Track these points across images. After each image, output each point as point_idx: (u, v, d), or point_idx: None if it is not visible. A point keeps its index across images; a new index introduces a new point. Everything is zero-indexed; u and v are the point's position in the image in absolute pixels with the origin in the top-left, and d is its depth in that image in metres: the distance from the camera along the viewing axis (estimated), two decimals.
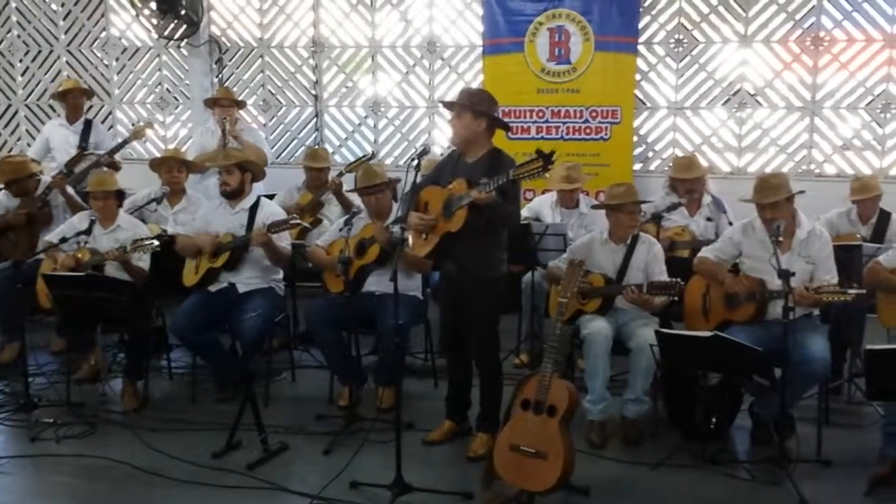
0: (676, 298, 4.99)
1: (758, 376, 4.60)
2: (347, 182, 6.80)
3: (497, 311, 4.90)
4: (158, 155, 7.70)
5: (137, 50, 9.79)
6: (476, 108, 4.66)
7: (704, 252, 5.29)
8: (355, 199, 6.36)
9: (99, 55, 9.94)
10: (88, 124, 7.83)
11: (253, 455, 4.82)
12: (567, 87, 8.26)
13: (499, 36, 8.39)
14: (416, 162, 4.59)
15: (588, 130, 8.27)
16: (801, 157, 8.10)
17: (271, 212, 5.85)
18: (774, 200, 4.87)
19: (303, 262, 6.14)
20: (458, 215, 4.53)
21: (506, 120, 8.24)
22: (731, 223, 6.10)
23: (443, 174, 4.80)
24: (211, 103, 7.83)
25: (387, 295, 5.10)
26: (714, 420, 4.97)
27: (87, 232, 5.80)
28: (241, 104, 7.99)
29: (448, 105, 4.91)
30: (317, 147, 8.42)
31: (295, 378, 6.21)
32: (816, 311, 5.03)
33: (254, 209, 5.82)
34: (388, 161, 8.97)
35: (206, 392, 5.82)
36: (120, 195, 6.08)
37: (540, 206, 6.85)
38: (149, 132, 8.56)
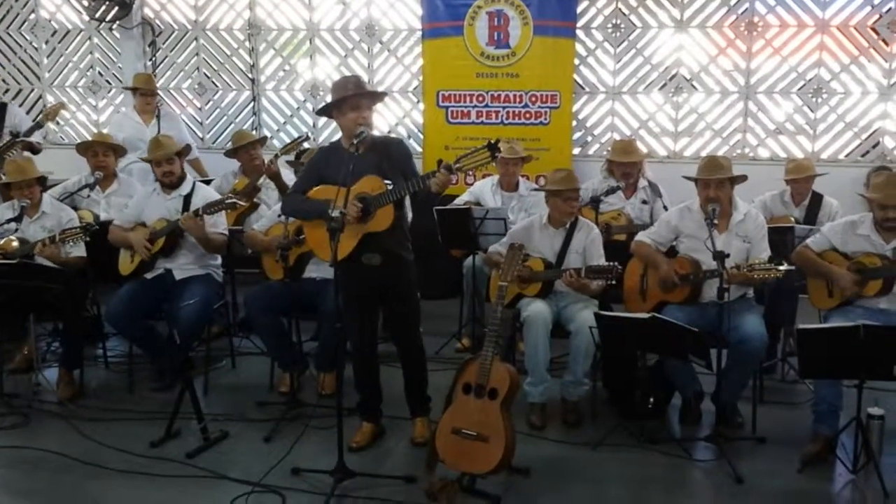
0: (614, 282, 5.04)
1: (694, 356, 4.70)
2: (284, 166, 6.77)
3: (417, 291, 4.84)
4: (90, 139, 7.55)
5: (68, 32, 9.54)
6: (379, 93, 4.64)
7: (641, 236, 5.37)
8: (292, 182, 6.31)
9: (28, 38, 9.66)
10: (3, 108, 7.65)
11: (192, 444, 4.77)
12: (506, 72, 8.28)
13: (438, 19, 8.36)
14: (355, 142, 4.47)
15: (528, 115, 8.30)
16: (736, 140, 8.25)
17: (206, 195, 5.76)
18: (722, 178, 4.98)
19: (241, 248, 6.07)
20: (384, 214, 4.39)
21: (446, 104, 8.40)
22: (665, 207, 6.20)
23: (331, 171, 4.43)
24: (132, 91, 7.76)
25: (327, 280, 5.07)
26: (652, 400, 5.08)
27: (18, 219, 5.65)
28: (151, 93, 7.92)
29: (326, 108, 4.61)
30: (241, 129, 8.31)
31: (235, 365, 6.15)
32: (750, 293, 5.15)
33: (189, 195, 5.73)
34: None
35: (143, 381, 5.75)
36: (41, 181, 5.91)
37: (481, 189, 6.86)
38: (63, 112, 8.39)
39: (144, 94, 7.68)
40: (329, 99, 4.64)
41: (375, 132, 4.66)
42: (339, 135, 8.82)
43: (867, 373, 4.30)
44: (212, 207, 5.41)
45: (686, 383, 5.07)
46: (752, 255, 4.95)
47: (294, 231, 5.43)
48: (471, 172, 5.74)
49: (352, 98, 4.44)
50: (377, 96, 4.57)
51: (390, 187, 4.36)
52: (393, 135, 8.41)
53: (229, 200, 5.47)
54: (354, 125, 4.41)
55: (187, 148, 5.94)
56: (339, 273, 4.30)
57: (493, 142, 4.11)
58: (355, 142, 4.33)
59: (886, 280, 4.80)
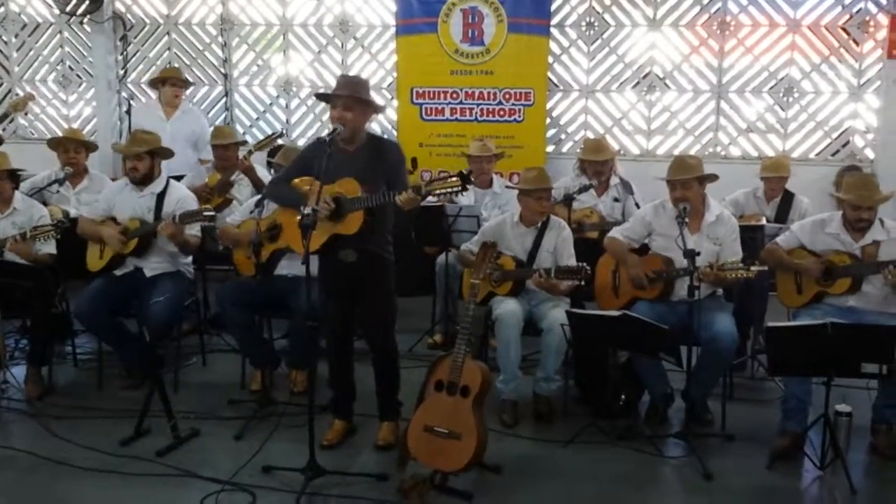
0: (583, 283, 5.04)
1: (664, 354, 4.72)
2: (257, 161, 6.74)
3: (394, 293, 4.79)
4: (61, 134, 7.46)
5: (38, 26, 9.45)
6: (365, 97, 4.47)
7: (614, 232, 5.39)
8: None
9: None
10: None
11: (162, 442, 4.73)
12: (481, 69, 8.30)
13: (412, 16, 8.37)
14: (326, 138, 4.45)
15: (502, 112, 8.32)
16: (708, 139, 8.31)
17: (181, 196, 5.67)
18: (684, 178, 5.00)
19: (213, 244, 6.02)
20: (354, 218, 4.35)
21: (420, 101, 8.39)
22: (637, 204, 6.23)
23: (317, 165, 4.37)
24: (159, 83, 7.63)
25: (300, 278, 5.03)
26: (623, 397, 5.11)
27: None
28: (188, 83, 7.92)
29: (325, 97, 4.62)
30: (222, 125, 8.26)
31: (206, 363, 6.11)
32: (720, 291, 5.19)
33: (162, 193, 5.64)
34: (301, 142, 8.86)
35: (112, 378, 5.68)
36: (13, 176, 5.84)
37: None
38: (32, 106, 8.27)
39: (175, 84, 7.58)
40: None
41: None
42: (311, 131, 8.90)
43: (835, 370, 4.34)
44: (189, 218, 5.33)
45: (654, 383, 5.10)
46: (721, 257, 4.97)
47: (267, 226, 5.41)
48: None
49: (334, 96, 4.46)
50: (354, 101, 4.42)
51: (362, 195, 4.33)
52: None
53: (207, 213, 5.38)
54: (333, 121, 4.44)
55: (167, 151, 5.86)
56: (319, 266, 4.35)
57: (465, 172, 4.13)
58: (327, 139, 4.33)
59: (855, 278, 4.85)
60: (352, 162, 4.42)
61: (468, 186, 4.17)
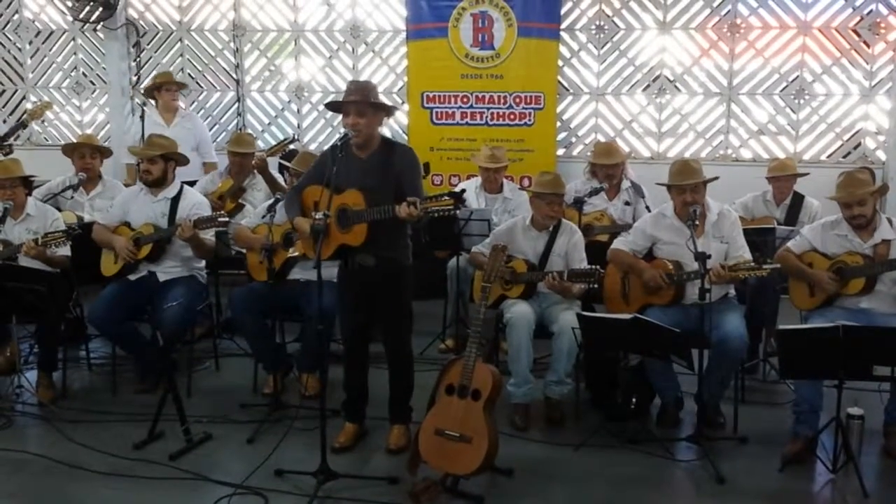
0: (596, 286, 5.04)
1: (675, 357, 4.72)
2: (269, 166, 6.78)
3: (411, 298, 4.80)
4: (75, 140, 7.52)
5: (52, 33, 9.52)
6: (375, 101, 4.45)
7: (618, 244, 5.37)
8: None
9: (11, 38, 9.64)
10: None
11: (175, 445, 4.76)
12: (491, 73, 8.31)
13: (422, 21, 8.39)
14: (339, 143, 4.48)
15: (512, 116, 8.33)
16: (719, 142, 8.30)
17: (195, 202, 5.73)
18: (697, 182, 5.01)
19: (226, 250, 6.05)
20: (359, 231, 4.38)
21: (430, 105, 8.41)
22: (648, 208, 6.23)
23: (329, 171, 4.34)
24: (154, 90, 7.66)
25: (312, 282, 5.05)
26: (634, 400, 5.10)
27: (2, 221, 5.61)
28: (183, 85, 7.98)
29: (337, 106, 4.58)
30: (242, 132, 8.31)
31: (219, 367, 6.14)
32: (732, 292, 5.18)
33: (176, 198, 5.70)
34: (312, 147, 8.90)
35: (126, 383, 5.72)
36: (27, 182, 5.88)
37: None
38: (48, 113, 8.30)
39: (170, 89, 7.59)
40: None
41: None
42: (323, 136, 8.92)
43: (847, 373, 4.33)
44: (205, 224, 5.38)
45: (665, 386, 5.09)
46: (730, 254, 4.99)
47: (282, 237, 5.45)
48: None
49: (345, 103, 4.47)
50: (366, 106, 4.41)
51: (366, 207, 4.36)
52: None
53: (221, 218, 5.42)
54: (346, 128, 4.44)
55: (182, 157, 5.90)
56: (339, 269, 4.42)
57: (459, 191, 4.15)
58: (339, 143, 4.35)
59: (869, 278, 4.83)
60: (363, 168, 4.45)
61: (460, 206, 4.18)
